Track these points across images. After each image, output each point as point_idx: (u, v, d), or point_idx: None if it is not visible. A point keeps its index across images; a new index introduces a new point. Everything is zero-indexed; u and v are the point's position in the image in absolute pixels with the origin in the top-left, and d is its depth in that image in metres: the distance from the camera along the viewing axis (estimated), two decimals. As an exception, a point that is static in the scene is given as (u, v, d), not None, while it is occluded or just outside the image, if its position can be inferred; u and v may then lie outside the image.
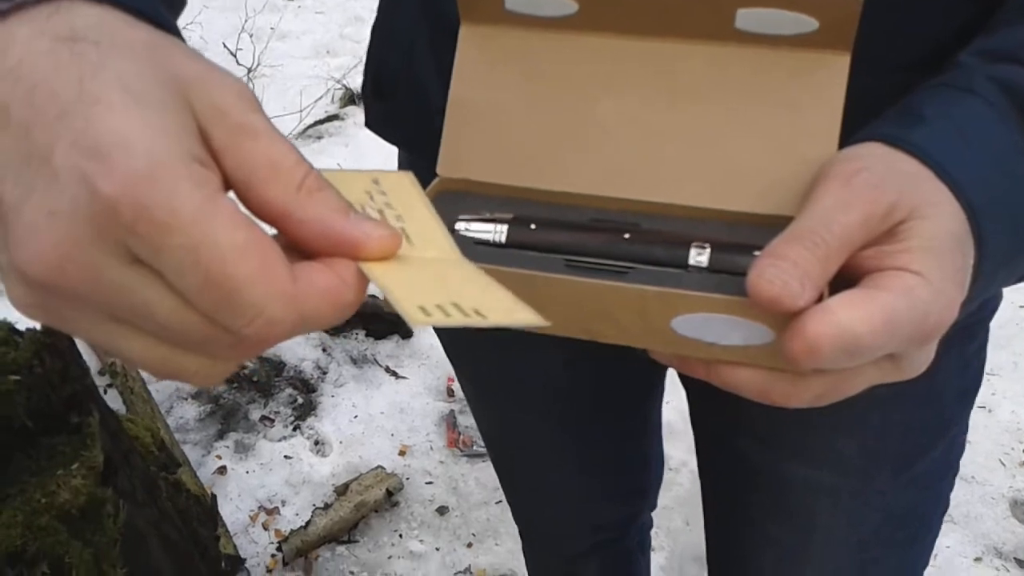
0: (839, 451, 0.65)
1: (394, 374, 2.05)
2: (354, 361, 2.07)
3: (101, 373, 1.85)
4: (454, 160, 0.48)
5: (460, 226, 0.44)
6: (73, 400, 0.74)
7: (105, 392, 1.83)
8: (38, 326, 0.75)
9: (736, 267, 0.41)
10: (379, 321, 2.15)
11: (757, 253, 0.39)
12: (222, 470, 1.78)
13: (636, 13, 0.44)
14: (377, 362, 2.08)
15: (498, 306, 0.31)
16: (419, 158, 0.44)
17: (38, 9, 0.29)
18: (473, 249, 0.43)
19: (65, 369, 0.73)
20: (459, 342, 0.81)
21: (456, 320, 0.29)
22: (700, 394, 0.77)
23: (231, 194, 0.29)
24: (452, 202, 0.47)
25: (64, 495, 0.68)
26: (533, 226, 0.44)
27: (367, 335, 2.14)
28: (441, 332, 0.85)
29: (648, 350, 0.42)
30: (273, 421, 1.90)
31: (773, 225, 0.42)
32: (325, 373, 2.02)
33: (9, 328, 0.72)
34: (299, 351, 2.04)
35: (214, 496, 1.37)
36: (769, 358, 0.38)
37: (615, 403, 0.86)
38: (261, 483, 1.76)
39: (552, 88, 0.46)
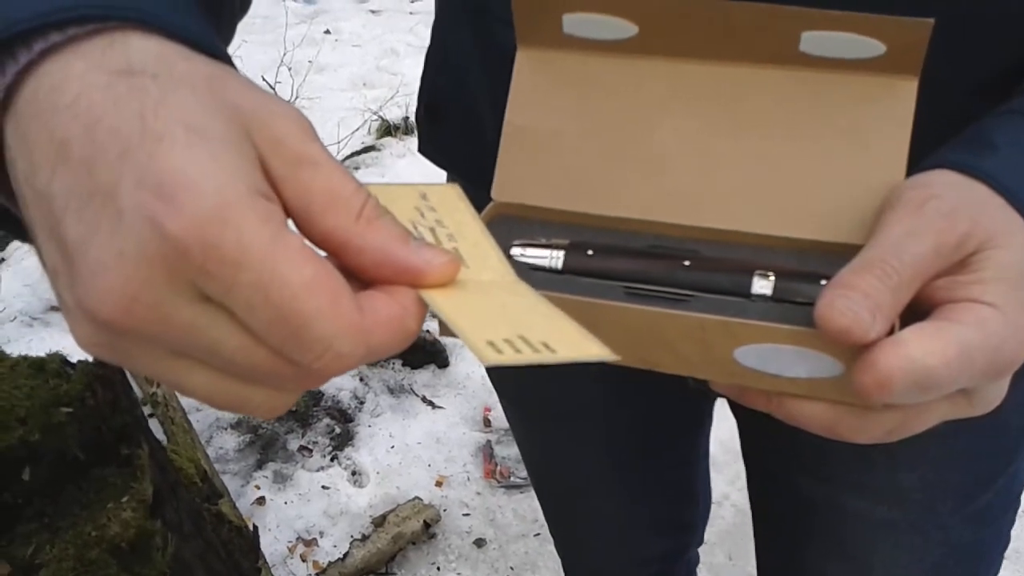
0: (899, 485, 0.64)
1: (431, 404, 2.05)
2: (391, 391, 2.07)
3: (143, 403, 1.87)
4: (509, 184, 0.47)
5: (516, 251, 0.44)
6: (124, 432, 0.74)
7: (147, 422, 1.86)
8: (91, 358, 0.76)
9: (801, 296, 0.40)
10: (416, 351, 2.16)
11: (824, 282, 0.38)
12: (261, 500, 1.78)
13: (697, 36, 0.43)
14: (414, 392, 2.08)
15: (566, 339, 0.30)
16: (471, 184, 0.43)
17: (92, 42, 0.28)
18: (528, 275, 0.42)
19: (116, 401, 0.74)
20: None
21: (526, 357, 0.28)
22: (753, 426, 0.76)
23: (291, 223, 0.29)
24: (507, 227, 0.46)
25: (114, 528, 0.68)
26: (591, 252, 0.43)
27: (403, 365, 2.14)
28: None
29: (708, 381, 0.41)
30: (311, 451, 1.90)
31: (838, 254, 0.41)
32: (362, 403, 2.03)
33: (62, 360, 0.73)
34: (337, 381, 2.05)
35: (256, 528, 1.37)
36: (836, 391, 0.37)
37: (663, 431, 0.85)
38: (299, 514, 1.76)
39: (610, 112, 0.46)
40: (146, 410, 1.84)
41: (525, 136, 0.47)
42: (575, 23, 0.45)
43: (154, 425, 1.81)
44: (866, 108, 0.42)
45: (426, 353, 2.16)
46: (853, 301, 0.33)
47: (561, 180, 0.46)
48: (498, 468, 1.89)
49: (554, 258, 0.43)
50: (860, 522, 0.67)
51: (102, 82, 0.27)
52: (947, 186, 0.38)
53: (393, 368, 2.13)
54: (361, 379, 2.07)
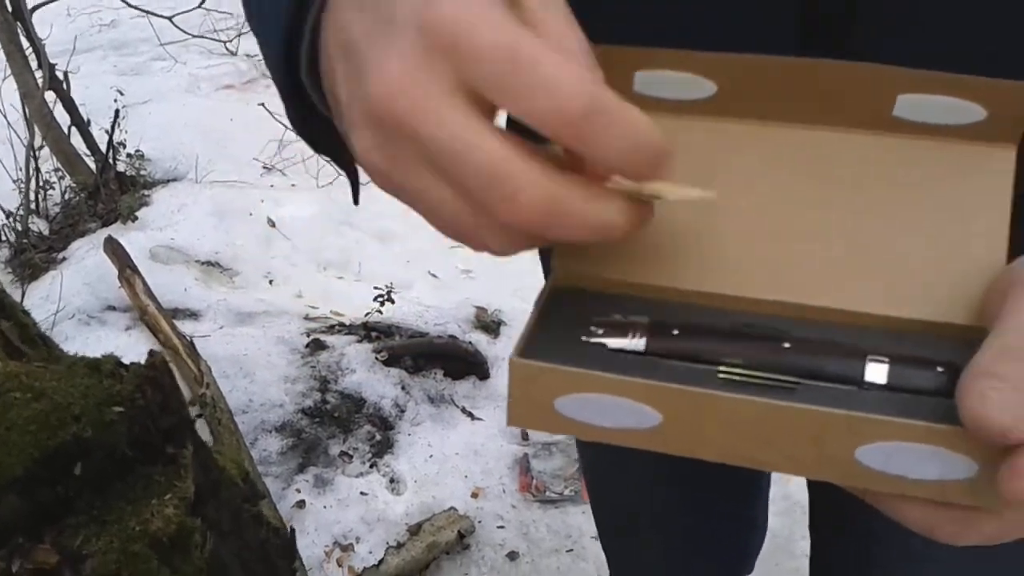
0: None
1: (470, 415, 2.07)
2: (431, 400, 2.10)
3: (192, 404, 1.92)
4: (575, 254, 0.43)
5: (593, 330, 0.40)
6: (170, 432, 0.78)
7: (194, 422, 1.91)
8: (143, 360, 0.80)
9: (917, 385, 0.36)
10: (457, 361, 2.19)
11: (940, 369, 0.36)
12: (300, 504, 1.82)
13: (782, 97, 0.40)
14: (454, 402, 2.10)
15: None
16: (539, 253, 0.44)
17: None
18: (607, 356, 0.39)
19: (165, 402, 0.77)
20: None
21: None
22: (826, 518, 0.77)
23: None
24: (575, 302, 0.42)
25: (157, 523, 0.71)
26: (676, 332, 0.39)
27: (445, 375, 2.17)
28: None
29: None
30: (351, 457, 1.94)
31: (941, 334, 0.39)
32: (403, 411, 2.06)
33: (116, 362, 0.77)
34: (379, 388, 2.08)
35: (293, 530, 1.41)
36: (968, 494, 0.33)
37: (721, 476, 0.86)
38: (337, 519, 1.80)
39: (686, 178, 0.42)
40: (194, 411, 1.89)
41: None
42: (648, 81, 0.41)
43: (201, 426, 1.87)
44: (963, 178, 0.40)
45: (467, 364, 2.19)
46: (1007, 396, 0.30)
47: (632, 250, 0.42)
48: (534, 482, 1.90)
49: (636, 338, 0.39)
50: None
51: None
52: None
53: (435, 378, 2.16)
54: (403, 388, 2.11)
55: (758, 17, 0.46)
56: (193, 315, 2.28)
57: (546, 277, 0.75)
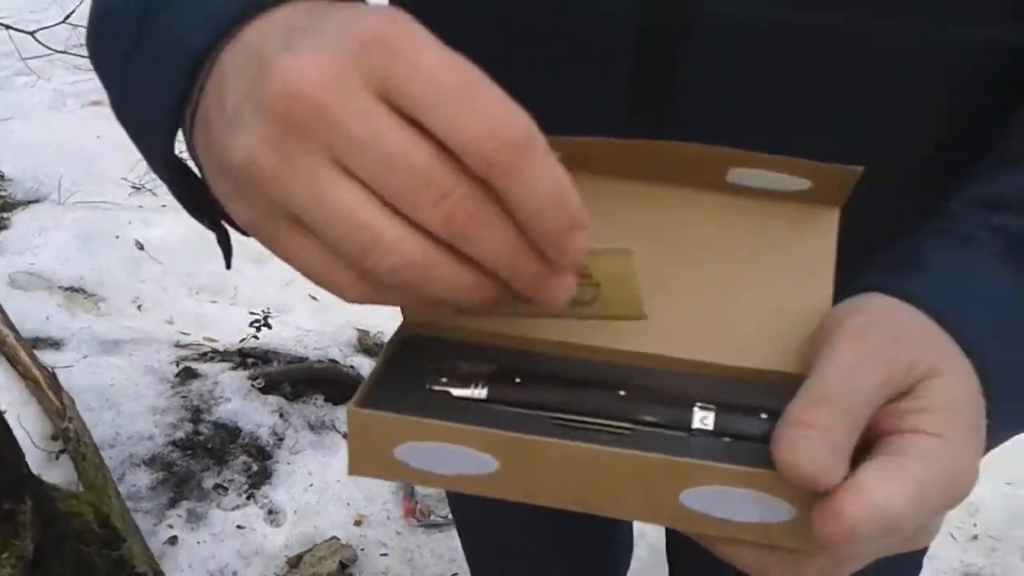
0: None
1: (352, 441, 2.03)
2: (312, 427, 2.05)
3: (54, 438, 1.83)
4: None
5: (437, 378, 0.41)
6: (7, 487, 0.73)
7: (57, 458, 1.81)
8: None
9: (742, 431, 0.38)
10: (339, 386, 2.14)
11: (764, 415, 0.37)
12: (173, 540, 1.74)
13: (625, 159, 0.42)
14: (336, 428, 2.06)
15: None
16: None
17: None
18: (450, 405, 0.40)
19: (0, 456, 0.73)
20: None
21: None
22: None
23: None
24: (421, 351, 0.43)
25: (-7, 584, 0.66)
26: (519, 380, 0.40)
27: (326, 400, 2.12)
28: None
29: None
30: (227, 489, 1.87)
31: (771, 382, 0.40)
32: (282, 440, 2.00)
33: (-56, 412, 0.72)
34: (256, 417, 2.02)
35: (161, 573, 1.34)
36: (789, 537, 0.35)
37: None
38: (212, 554, 1.73)
39: None
40: (56, 446, 1.79)
41: None
42: None
43: (64, 462, 1.77)
44: (791, 235, 0.42)
45: (350, 389, 2.14)
46: (815, 443, 0.31)
47: None
48: (418, 506, 1.88)
49: (478, 387, 0.40)
50: None
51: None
52: (885, 312, 0.37)
53: (315, 404, 2.11)
54: (281, 415, 2.05)
55: (591, 88, 0.47)
56: (55, 344, 2.16)
57: None
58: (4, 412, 1.05)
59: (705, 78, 0.46)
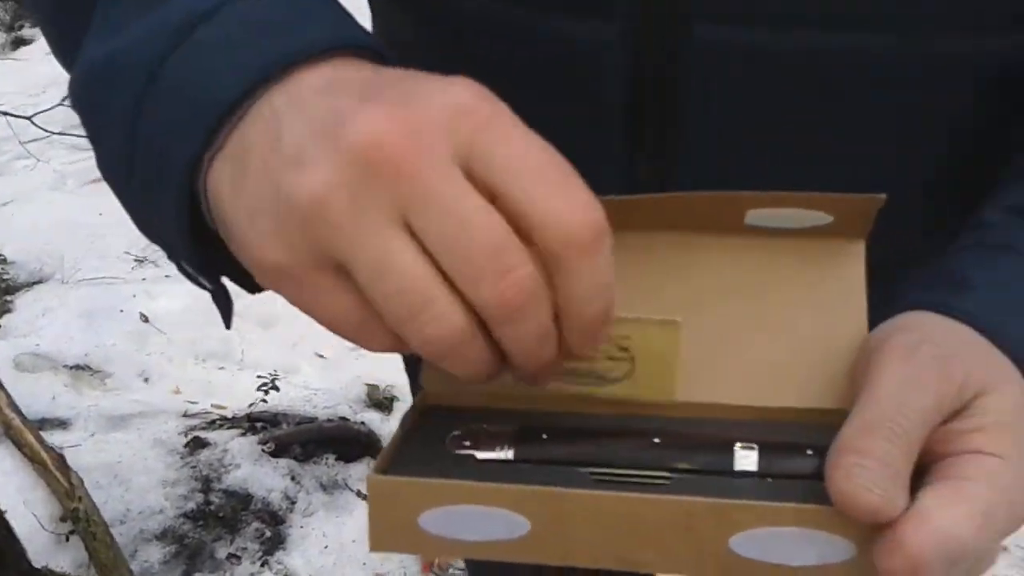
0: None
1: (366, 498, 2.00)
2: (324, 487, 2.02)
3: (63, 519, 1.81)
4: (441, 373, 0.44)
5: (460, 442, 0.39)
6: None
7: (67, 539, 1.79)
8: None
9: (789, 470, 0.36)
10: (350, 443, 2.12)
11: (810, 452, 0.36)
12: (188, 614, 1.71)
13: (641, 212, 0.41)
14: (348, 487, 2.03)
15: None
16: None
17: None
18: (475, 468, 0.38)
19: (1, 556, 0.70)
20: None
21: None
22: None
23: None
24: (440, 418, 0.42)
25: None
26: (545, 436, 0.39)
27: (337, 459, 2.09)
28: None
29: None
30: (240, 558, 1.84)
31: (811, 421, 0.39)
32: (294, 503, 1.97)
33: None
34: (267, 481, 2.00)
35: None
36: None
37: None
38: (228, 626, 1.70)
39: None
40: (66, 527, 1.77)
41: None
42: None
43: (75, 543, 1.75)
44: (817, 271, 0.41)
45: (361, 445, 2.12)
46: (873, 472, 0.30)
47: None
48: (436, 561, 1.84)
49: (504, 448, 0.38)
50: None
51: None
52: (932, 328, 0.36)
53: (327, 463, 2.08)
54: (293, 478, 2.02)
55: (587, 121, 0.47)
56: (62, 424, 2.15)
57: (412, 386, 0.72)
58: (9, 505, 1.03)
59: (703, 104, 0.45)
